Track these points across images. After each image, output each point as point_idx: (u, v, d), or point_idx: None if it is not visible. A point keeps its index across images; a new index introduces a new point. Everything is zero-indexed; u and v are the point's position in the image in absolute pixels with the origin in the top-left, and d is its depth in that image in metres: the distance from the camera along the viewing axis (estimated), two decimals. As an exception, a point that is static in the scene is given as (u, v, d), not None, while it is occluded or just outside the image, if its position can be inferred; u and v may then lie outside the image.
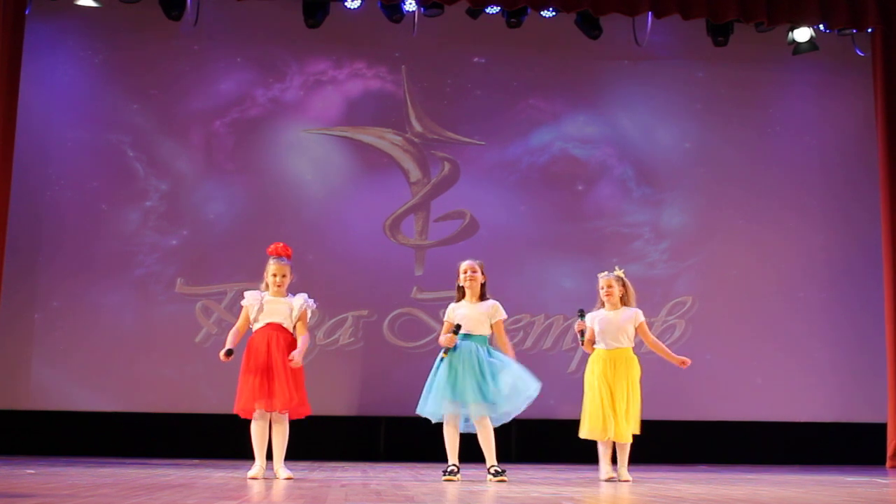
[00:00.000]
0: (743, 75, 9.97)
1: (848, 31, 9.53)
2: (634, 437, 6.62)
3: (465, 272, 6.49)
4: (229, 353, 6.28)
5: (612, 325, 6.65)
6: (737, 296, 9.69)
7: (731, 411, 9.46)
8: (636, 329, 6.69)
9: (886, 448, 9.07)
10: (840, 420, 9.59)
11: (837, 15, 9.25)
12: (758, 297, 9.71)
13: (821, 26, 9.43)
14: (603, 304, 6.75)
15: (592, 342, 6.71)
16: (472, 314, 6.41)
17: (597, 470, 6.78)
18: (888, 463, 9.01)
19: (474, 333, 6.40)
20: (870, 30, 9.41)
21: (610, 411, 6.52)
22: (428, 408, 6.34)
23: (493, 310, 6.46)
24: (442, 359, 6.35)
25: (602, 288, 6.72)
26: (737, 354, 9.58)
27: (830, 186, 9.94)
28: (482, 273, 6.50)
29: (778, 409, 9.57)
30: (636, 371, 6.65)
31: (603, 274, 6.80)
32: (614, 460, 6.65)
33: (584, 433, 6.66)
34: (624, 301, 6.72)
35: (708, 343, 9.50)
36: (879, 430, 9.21)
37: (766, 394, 9.58)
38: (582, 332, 6.69)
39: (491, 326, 6.46)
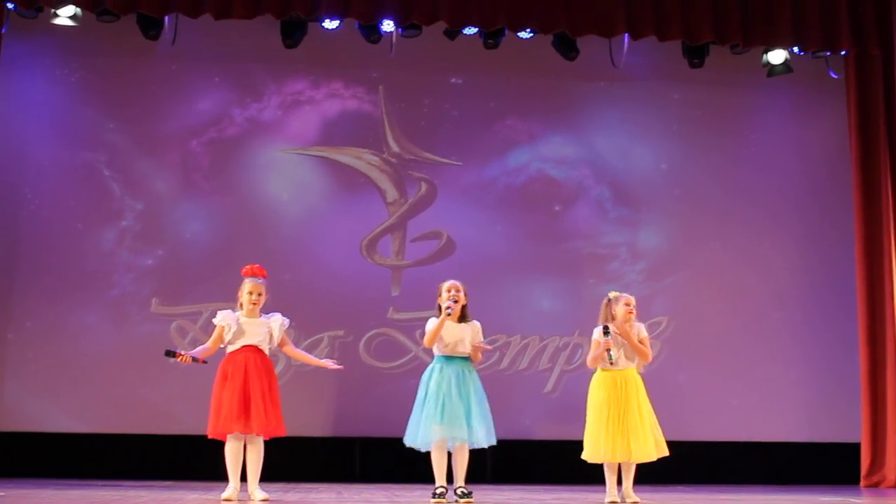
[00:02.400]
0: (718, 97, 10.03)
1: (822, 54, 9.61)
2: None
3: (450, 291, 6.35)
4: (170, 353, 6.24)
5: (632, 344, 6.48)
6: (712, 317, 9.71)
7: (706, 432, 9.45)
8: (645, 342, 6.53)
9: (860, 467, 9.11)
10: (814, 440, 9.62)
11: (811, 37, 9.35)
12: (733, 318, 9.73)
13: (795, 49, 9.52)
14: (612, 321, 6.49)
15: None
16: (455, 334, 6.32)
17: (572, 491, 6.77)
18: (862, 482, 9.05)
19: (457, 355, 6.34)
20: (843, 52, 9.52)
21: (619, 433, 6.30)
22: (419, 438, 6.22)
23: (475, 331, 6.39)
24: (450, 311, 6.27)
25: (627, 304, 6.49)
26: (712, 375, 9.60)
27: (804, 207, 9.99)
28: (465, 295, 6.40)
29: (753, 429, 9.58)
30: (643, 389, 6.48)
31: (618, 294, 6.56)
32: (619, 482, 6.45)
33: (588, 456, 6.40)
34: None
35: (683, 363, 9.52)
36: (853, 449, 9.25)
37: (742, 414, 9.60)
38: (609, 351, 6.37)
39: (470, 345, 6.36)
